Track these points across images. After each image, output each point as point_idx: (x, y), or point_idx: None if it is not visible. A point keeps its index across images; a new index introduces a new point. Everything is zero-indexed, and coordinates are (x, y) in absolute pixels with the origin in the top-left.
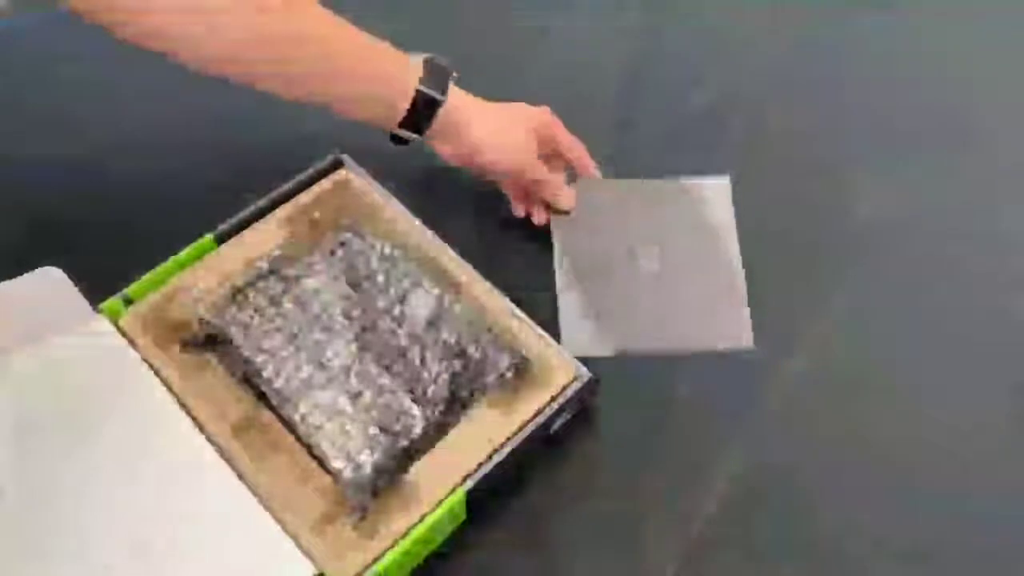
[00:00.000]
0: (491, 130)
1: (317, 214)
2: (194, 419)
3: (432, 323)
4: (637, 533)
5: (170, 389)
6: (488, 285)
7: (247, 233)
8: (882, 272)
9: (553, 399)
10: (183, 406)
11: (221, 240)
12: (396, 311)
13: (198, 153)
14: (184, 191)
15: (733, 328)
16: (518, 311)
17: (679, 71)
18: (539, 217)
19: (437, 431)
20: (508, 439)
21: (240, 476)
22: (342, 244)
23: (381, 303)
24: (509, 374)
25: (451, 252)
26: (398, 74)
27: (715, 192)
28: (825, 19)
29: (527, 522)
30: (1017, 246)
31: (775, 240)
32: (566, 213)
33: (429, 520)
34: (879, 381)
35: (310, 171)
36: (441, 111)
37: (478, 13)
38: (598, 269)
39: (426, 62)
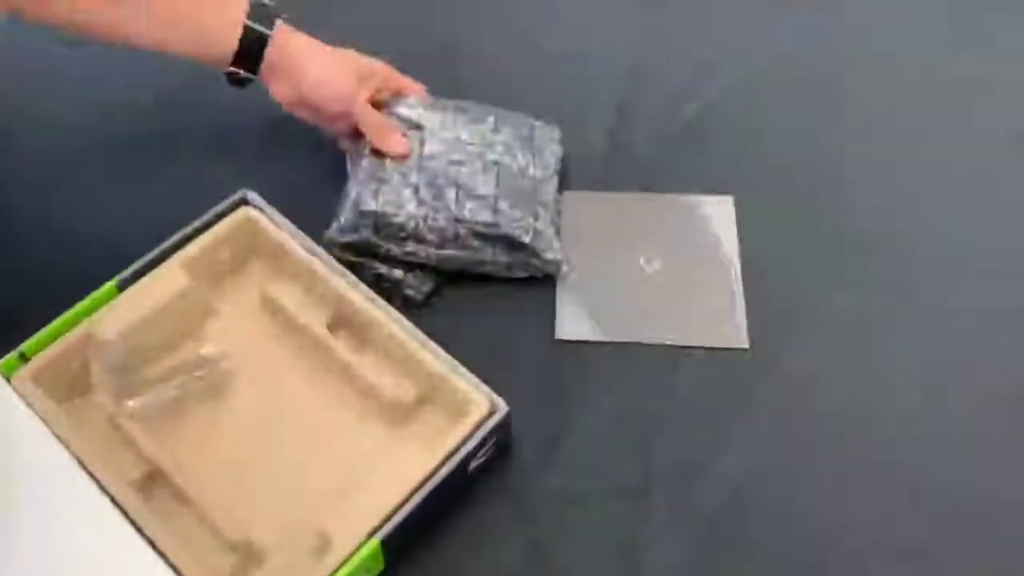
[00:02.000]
0: (321, 66)
1: (223, 254)
2: (93, 477)
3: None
4: (637, 533)
5: (67, 447)
6: (406, 324)
7: (148, 279)
8: (882, 272)
9: (471, 434)
10: (81, 464)
11: (123, 287)
12: None
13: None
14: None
15: (728, 327)
16: (434, 345)
17: (679, 70)
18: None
19: None
20: (425, 480)
21: (143, 533)
22: None
23: None
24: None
25: (363, 289)
26: (224, 11)
27: (719, 208)
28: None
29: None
30: (1018, 246)
31: (776, 239)
32: (403, 158)
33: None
34: (879, 381)
35: (214, 210)
36: (270, 47)
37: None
38: (601, 266)
39: (251, 3)
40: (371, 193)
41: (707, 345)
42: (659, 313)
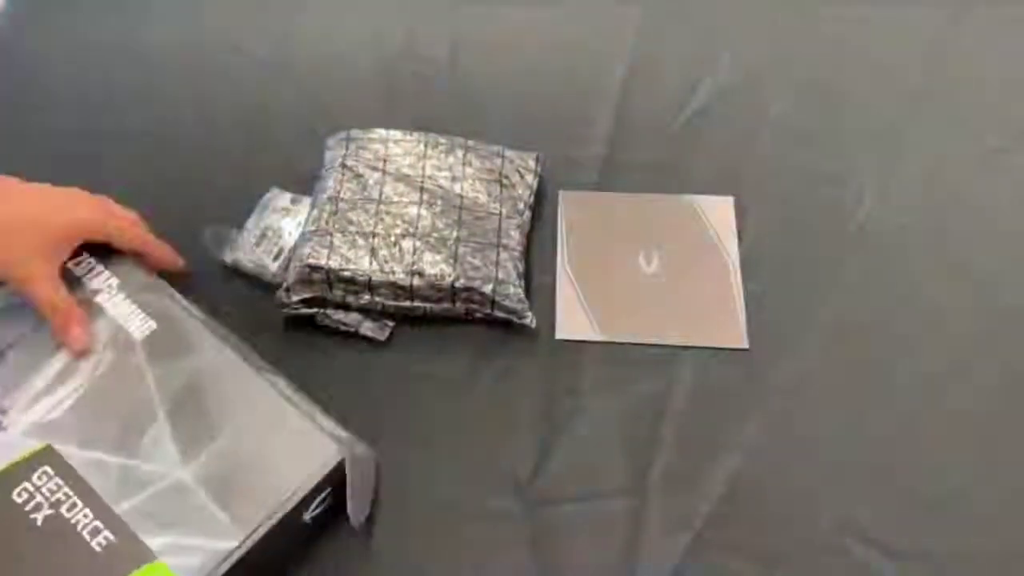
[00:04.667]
0: None
1: None
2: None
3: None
4: (637, 533)
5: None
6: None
7: None
8: (882, 272)
9: (306, 481)
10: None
11: None
12: None
13: None
14: None
15: (728, 327)
16: (282, 385)
17: (678, 69)
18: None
19: None
20: (254, 530)
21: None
22: None
23: None
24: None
25: (214, 324)
26: None
27: (719, 208)
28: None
29: None
30: (1018, 246)
31: (775, 238)
32: (81, 355)
33: None
34: (879, 381)
35: None
36: None
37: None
38: (600, 266)
39: None
40: (322, 246)
41: (707, 345)
42: (658, 313)
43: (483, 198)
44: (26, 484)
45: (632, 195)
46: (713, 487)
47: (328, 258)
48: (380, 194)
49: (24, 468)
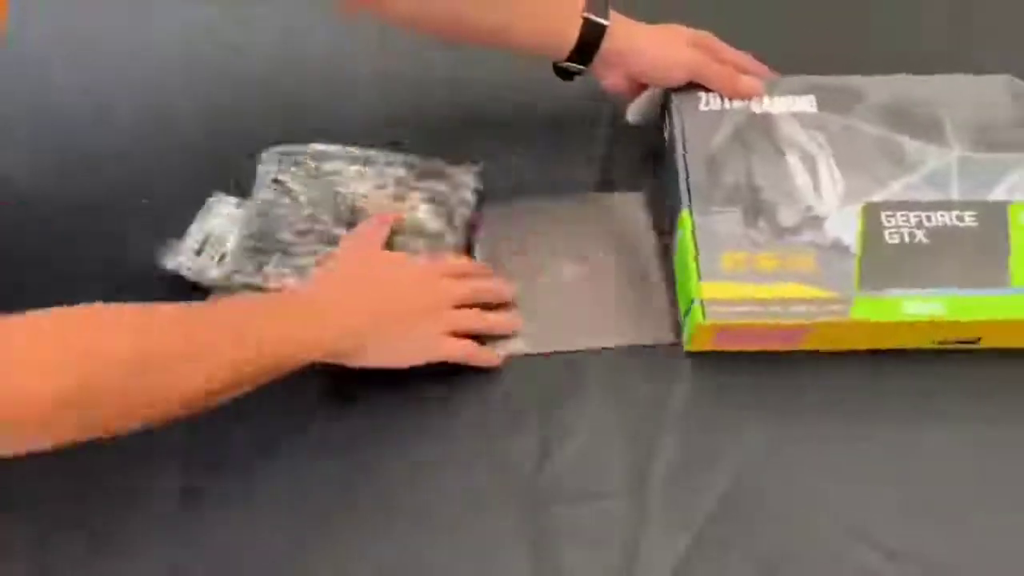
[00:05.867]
0: (658, 47)
1: None
2: None
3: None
4: (637, 533)
5: None
6: None
7: None
8: None
9: None
10: None
11: None
12: None
13: None
14: None
15: (653, 323)
16: None
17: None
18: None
19: None
20: None
21: None
22: None
23: None
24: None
25: None
26: (562, 5)
27: (630, 204)
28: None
29: None
30: None
31: None
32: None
33: None
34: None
35: None
36: (606, 39)
37: None
38: (522, 278)
39: None
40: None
41: (637, 343)
42: (585, 317)
43: (420, 215)
44: None
45: (545, 201)
46: (713, 487)
47: (251, 278)
48: (310, 212)
49: None
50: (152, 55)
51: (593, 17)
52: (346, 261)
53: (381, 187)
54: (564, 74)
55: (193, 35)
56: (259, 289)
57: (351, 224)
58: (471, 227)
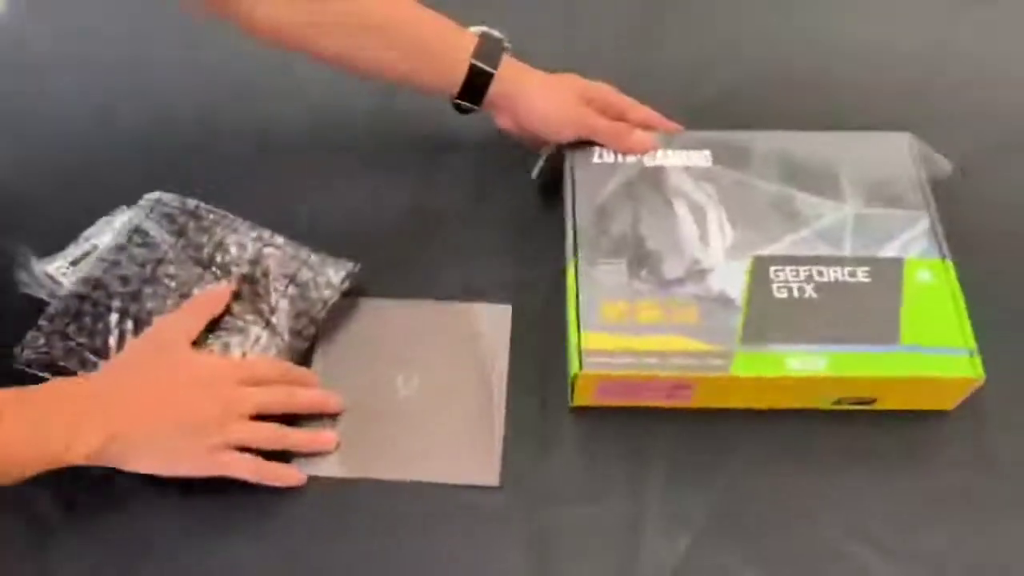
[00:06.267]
0: (544, 100)
1: None
2: None
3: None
4: (637, 533)
5: None
6: None
7: None
8: None
9: None
10: None
11: None
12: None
13: None
14: None
15: (480, 465)
16: None
17: (679, 71)
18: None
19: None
20: None
21: None
22: None
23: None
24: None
25: None
26: (452, 49)
27: (493, 318)
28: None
29: None
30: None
31: None
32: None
33: None
34: None
35: None
36: (494, 84)
37: None
38: (353, 387)
39: (482, 36)
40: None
41: (456, 483)
42: (408, 447)
43: (259, 305)
44: None
45: (400, 302)
46: (713, 488)
47: (68, 338)
48: (153, 271)
49: None
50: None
51: (479, 64)
52: (140, 352)
53: (236, 263)
54: (459, 108)
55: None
56: (77, 347)
57: (184, 296)
58: (316, 326)
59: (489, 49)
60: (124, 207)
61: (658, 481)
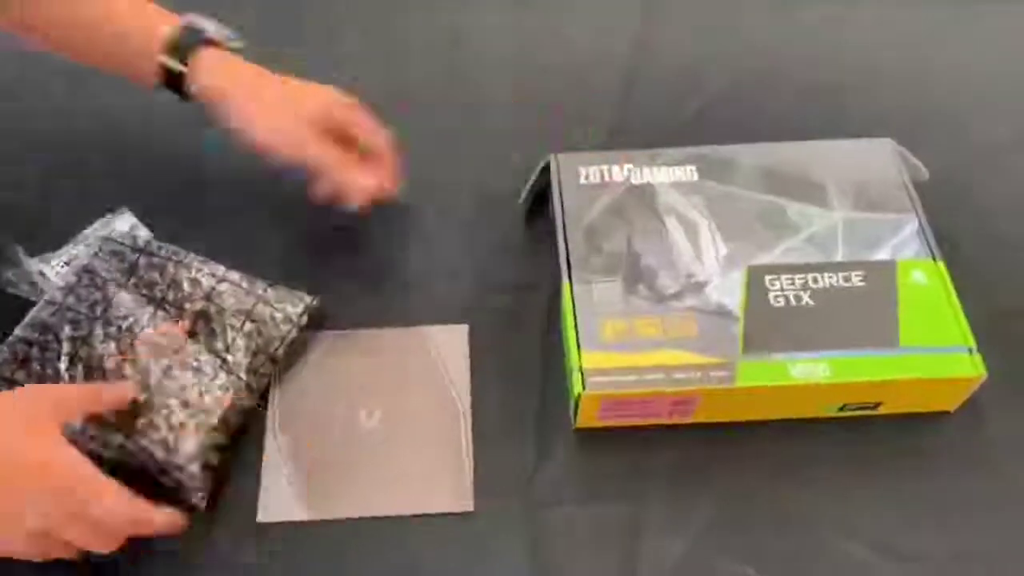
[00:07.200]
0: (258, 107)
1: None
2: None
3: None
4: (637, 533)
5: None
6: None
7: None
8: None
9: None
10: None
11: None
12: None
13: None
14: None
15: (453, 492)
16: None
17: (676, 73)
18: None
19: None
20: None
21: None
22: None
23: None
24: (304, 319)
25: None
26: (142, 43)
27: (451, 339)
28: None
29: None
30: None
31: None
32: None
33: None
34: None
35: None
36: (192, 81)
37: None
38: (315, 423)
39: (183, 28)
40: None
41: (430, 512)
42: (375, 479)
43: (215, 344)
44: None
45: (357, 332)
46: (713, 489)
47: (16, 385)
48: (104, 312)
49: None
50: None
51: (167, 61)
52: (5, 417)
53: (190, 300)
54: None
55: None
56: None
57: (135, 336)
58: (274, 362)
59: (184, 42)
60: (125, 208)
61: (659, 480)
